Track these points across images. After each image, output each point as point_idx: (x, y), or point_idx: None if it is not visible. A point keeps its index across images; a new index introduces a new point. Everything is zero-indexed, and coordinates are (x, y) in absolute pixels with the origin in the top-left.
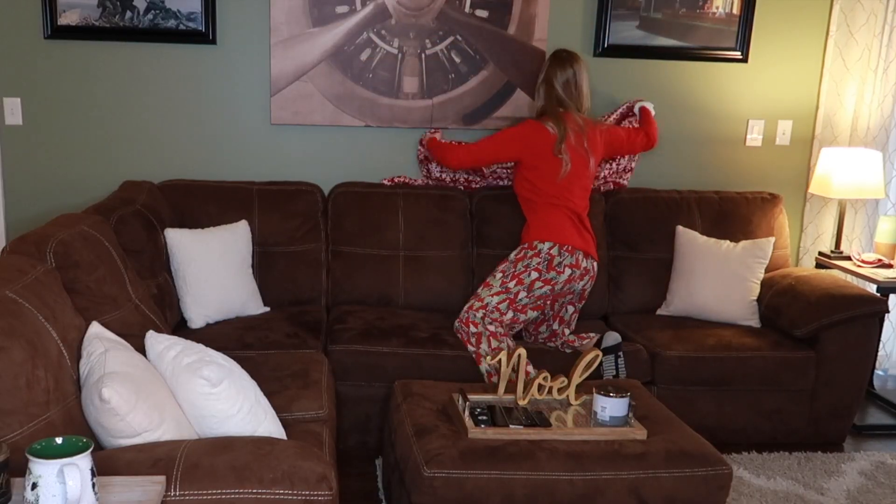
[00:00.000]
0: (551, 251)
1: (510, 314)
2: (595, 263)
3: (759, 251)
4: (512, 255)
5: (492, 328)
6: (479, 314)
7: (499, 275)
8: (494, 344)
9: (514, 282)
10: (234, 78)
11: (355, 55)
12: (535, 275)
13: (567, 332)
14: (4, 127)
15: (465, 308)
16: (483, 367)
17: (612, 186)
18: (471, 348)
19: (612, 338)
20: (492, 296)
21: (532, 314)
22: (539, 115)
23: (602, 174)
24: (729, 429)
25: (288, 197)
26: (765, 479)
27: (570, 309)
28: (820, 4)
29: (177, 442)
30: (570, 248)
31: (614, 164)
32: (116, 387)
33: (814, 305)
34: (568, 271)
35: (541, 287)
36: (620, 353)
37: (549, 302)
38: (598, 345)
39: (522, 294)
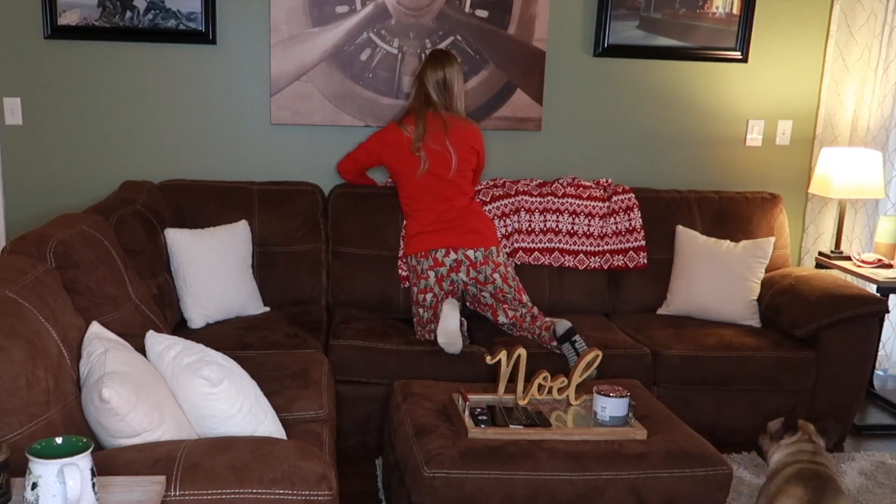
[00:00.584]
0: (411, 262)
1: (422, 332)
2: (475, 252)
3: (760, 251)
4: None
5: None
6: (417, 329)
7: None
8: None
9: (413, 300)
10: (234, 78)
11: (355, 55)
12: (414, 289)
13: (515, 314)
14: (4, 127)
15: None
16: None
17: (624, 263)
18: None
19: (563, 326)
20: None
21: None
22: (407, 111)
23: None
24: (729, 429)
25: (288, 197)
26: (765, 479)
27: (486, 295)
28: (820, 4)
29: (177, 442)
30: (423, 252)
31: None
32: (116, 387)
33: (814, 305)
34: (431, 273)
35: (424, 297)
36: (576, 338)
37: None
38: (554, 335)
39: (421, 311)
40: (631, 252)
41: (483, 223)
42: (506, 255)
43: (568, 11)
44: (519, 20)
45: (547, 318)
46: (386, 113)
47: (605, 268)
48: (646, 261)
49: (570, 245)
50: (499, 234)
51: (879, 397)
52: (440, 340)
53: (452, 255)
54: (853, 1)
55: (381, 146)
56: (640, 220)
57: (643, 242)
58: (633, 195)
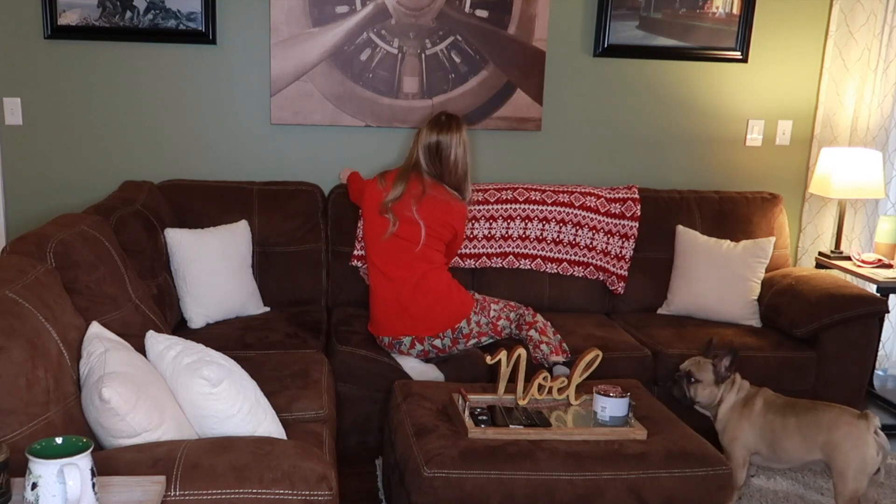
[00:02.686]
0: (385, 343)
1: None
2: (441, 340)
3: (760, 251)
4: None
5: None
6: None
7: None
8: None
9: None
10: (234, 78)
11: (355, 55)
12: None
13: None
14: (4, 127)
15: None
16: None
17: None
18: None
19: (558, 370)
20: None
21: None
22: (401, 167)
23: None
24: None
25: (288, 197)
26: (765, 479)
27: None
28: (820, 4)
29: (177, 442)
30: (387, 342)
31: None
32: (116, 387)
33: (814, 305)
34: (397, 359)
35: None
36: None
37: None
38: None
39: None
40: (613, 277)
41: (450, 296)
42: (476, 314)
43: (568, 11)
44: (519, 20)
45: (551, 356)
46: (386, 113)
47: (591, 278)
48: (623, 290)
49: (554, 253)
50: (499, 235)
51: (879, 397)
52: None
53: (419, 347)
54: (853, 1)
55: (360, 193)
56: (633, 251)
57: (626, 272)
58: (637, 224)
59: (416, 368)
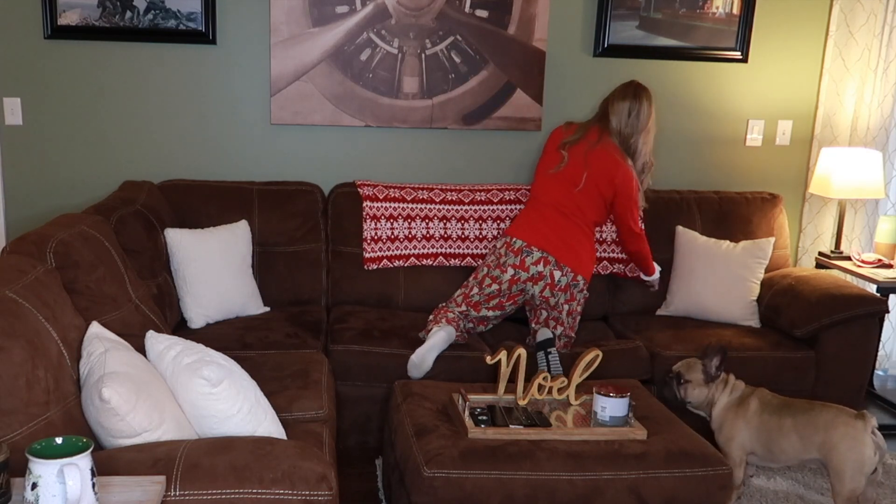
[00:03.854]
0: (500, 248)
1: (463, 307)
2: (561, 273)
3: (759, 251)
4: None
5: (444, 307)
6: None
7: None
8: (430, 317)
9: (472, 276)
10: (234, 78)
11: (355, 55)
12: (485, 270)
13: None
14: (4, 127)
15: None
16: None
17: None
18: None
19: (542, 334)
20: (461, 288)
21: (490, 313)
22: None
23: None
24: None
25: (288, 197)
26: (765, 479)
27: (543, 313)
28: (820, 4)
29: (177, 442)
30: (518, 246)
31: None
32: (116, 387)
33: (814, 305)
34: (511, 271)
35: (489, 284)
36: (551, 350)
37: (507, 302)
38: (534, 340)
39: (475, 290)
40: (632, 264)
41: (585, 249)
42: (585, 293)
43: (568, 11)
44: (519, 20)
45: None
46: (386, 113)
47: (604, 273)
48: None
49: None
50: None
51: (879, 397)
52: (412, 357)
53: (541, 267)
54: (853, 1)
55: (549, 140)
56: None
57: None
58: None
59: (425, 358)
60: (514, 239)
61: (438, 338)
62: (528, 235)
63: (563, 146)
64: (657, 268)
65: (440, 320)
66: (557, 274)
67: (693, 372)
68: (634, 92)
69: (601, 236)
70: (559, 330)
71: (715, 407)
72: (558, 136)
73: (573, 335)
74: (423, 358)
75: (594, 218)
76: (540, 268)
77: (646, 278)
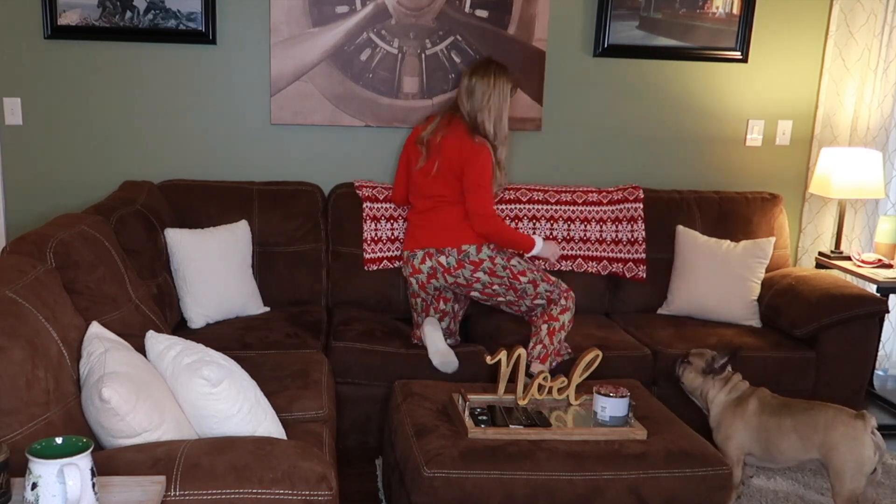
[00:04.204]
0: (403, 259)
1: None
2: (446, 256)
3: (760, 251)
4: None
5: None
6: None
7: None
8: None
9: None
10: (234, 78)
11: (355, 55)
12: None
13: (521, 310)
14: (4, 127)
15: None
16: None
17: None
18: None
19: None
20: None
21: (444, 307)
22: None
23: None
24: None
25: (288, 197)
26: (765, 479)
27: (477, 295)
28: (820, 4)
29: (177, 442)
30: (405, 256)
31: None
32: (116, 387)
33: (814, 305)
34: (413, 280)
35: (414, 301)
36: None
37: (441, 303)
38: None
39: (413, 313)
40: (630, 263)
41: (456, 221)
42: (494, 253)
43: (568, 11)
44: (519, 20)
45: (534, 361)
46: (386, 113)
47: (604, 273)
48: (645, 274)
49: (567, 251)
50: None
51: (879, 397)
52: (434, 363)
53: (428, 263)
54: (853, 1)
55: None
56: (644, 231)
57: (644, 255)
58: (641, 205)
59: (439, 350)
60: (403, 252)
61: (429, 329)
62: (408, 244)
63: (421, 141)
64: (537, 239)
65: (418, 321)
66: (444, 259)
67: (698, 358)
68: (472, 71)
69: (601, 236)
70: (526, 305)
71: (712, 404)
72: (416, 132)
73: (532, 290)
74: (437, 349)
75: (453, 196)
76: (428, 263)
77: (532, 255)
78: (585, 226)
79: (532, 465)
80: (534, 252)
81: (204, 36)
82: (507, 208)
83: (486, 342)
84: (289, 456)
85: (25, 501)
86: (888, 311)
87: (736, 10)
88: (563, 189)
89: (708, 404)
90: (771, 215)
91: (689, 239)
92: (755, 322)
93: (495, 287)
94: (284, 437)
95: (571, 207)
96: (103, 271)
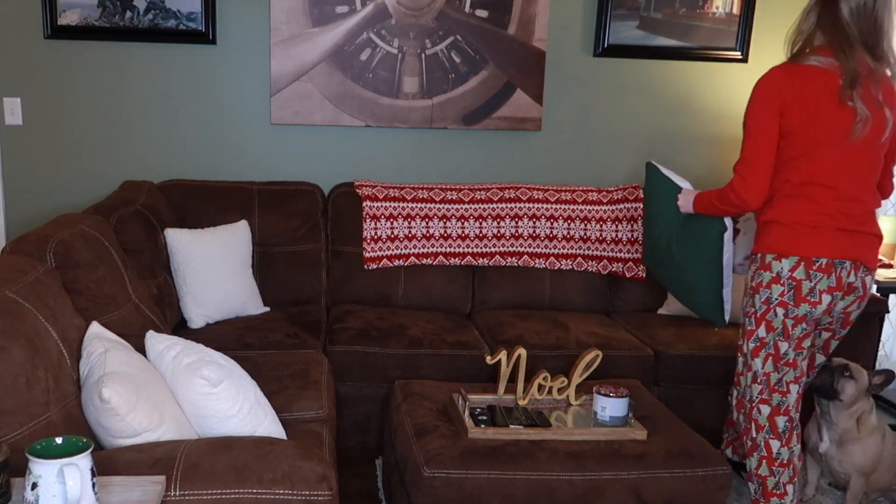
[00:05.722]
0: (794, 273)
1: (775, 377)
2: (868, 277)
3: None
4: (748, 276)
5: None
6: (754, 388)
7: (746, 319)
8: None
9: (762, 327)
10: (234, 78)
11: (355, 55)
12: (781, 311)
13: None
14: (4, 127)
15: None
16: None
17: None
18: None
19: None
20: (752, 352)
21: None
22: (803, 45)
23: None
24: None
25: (288, 197)
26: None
27: (825, 334)
28: None
29: (177, 442)
30: (824, 262)
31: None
32: (116, 387)
33: None
34: (827, 298)
35: (794, 325)
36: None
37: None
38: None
39: (783, 345)
40: (630, 263)
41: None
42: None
43: (568, 11)
44: (519, 20)
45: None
46: (386, 113)
47: (604, 272)
48: (644, 274)
49: (567, 250)
50: (509, 234)
51: (879, 397)
52: None
53: (849, 279)
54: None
55: (778, 100)
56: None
57: (643, 255)
58: (641, 205)
59: None
60: (805, 264)
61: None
62: (828, 246)
63: (847, 93)
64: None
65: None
66: (868, 280)
67: (860, 373)
68: None
69: (601, 235)
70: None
71: (864, 427)
72: (815, 81)
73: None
74: None
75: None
76: (850, 279)
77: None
78: (585, 225)
79: (532, 465)
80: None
81: (204, 36)
82: (507, 208)
83: (486, 339)
84: (289, 456)
85: (25, 501)
86: (888, 311)
87: (736, 10)
88: (563, 188)
89: (860, 428)
90: None
91: None
92: None
93: (843, 335)
94: (284, 437)
95: (571, 206)
96: (103, 271)
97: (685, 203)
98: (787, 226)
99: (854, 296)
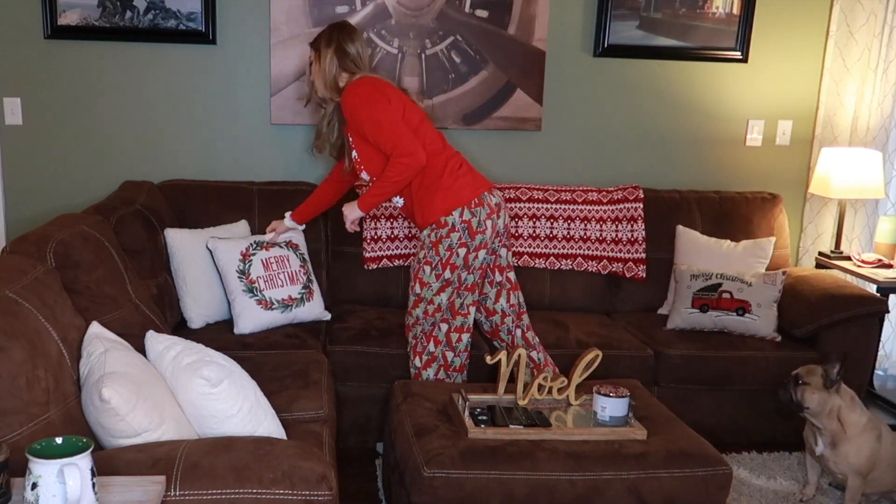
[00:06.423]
0: (460, 219)
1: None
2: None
3: (760, 251)
4: (425, 240)
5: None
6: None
7: (426, 268)
8: (442, 376)
9: (447, 270)
10: (234, 78)
11: None
12: (462, 251)
13: (516, 303)
14: (4, 127)
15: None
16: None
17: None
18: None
19: None
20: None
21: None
22: (358, 73)
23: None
24: (729, 429)
25: (288, 197)
26: (765, 479)
27: (495, 270)
28: (820, 4)
29: (177, 442)
30: (478, 199)
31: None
32: (116, 387)
33: (814, 305)
34: (489, 224)
35: (475, 258)
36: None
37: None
38: None
39: (465, 275)
40: (630, 263)
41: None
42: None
43: (568, 11)
44: (519, 20)
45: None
46: None
47: (604, 272)
48: (644, 274)
49: (567, 250)
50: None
51: (879, 397)
52: None
53: (494, 199)
54: (853, 1)
55: (387, 101)
56: (644, 231)
57: (644, 255)
58: (641, 205)
59: None
60: (468, 205)
61: None
62: (478, 185)
63: (405, 90)
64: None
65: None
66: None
67: (812, 375)
68: (356, 33)
69: (601, 235)
70: (520, 300)
71: (850, 425)
72: (393, 87)
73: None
74: None
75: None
76: (495, 199)
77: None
78: (585, 225)
79: (532, 465)
80: (351, 214)
81: (204, 36)
82: (506, 207)
83: (486, 338)
84: (289, 456)
85: (25, 501)
86: (888, 311)
87: (736, 10)
88: (563, 188)
89: (844, 426)
90: (771, 215)
91: (690, 239)
92: None
93: (510, 266)
94: (284, 437)
95: (571, 206)
96: (103, 271)
97: (350, 211)
98: None
99: None
